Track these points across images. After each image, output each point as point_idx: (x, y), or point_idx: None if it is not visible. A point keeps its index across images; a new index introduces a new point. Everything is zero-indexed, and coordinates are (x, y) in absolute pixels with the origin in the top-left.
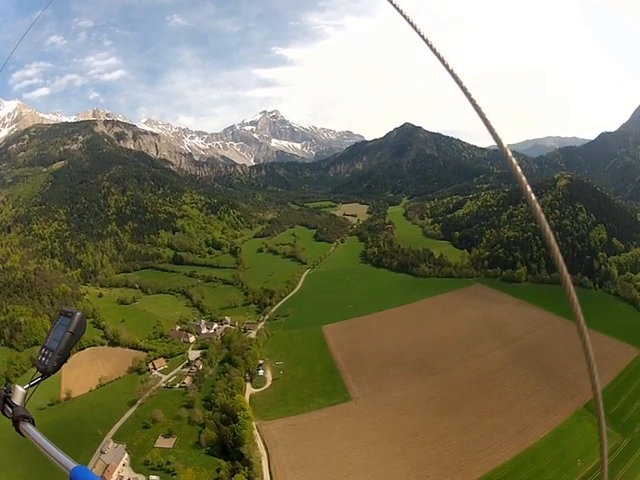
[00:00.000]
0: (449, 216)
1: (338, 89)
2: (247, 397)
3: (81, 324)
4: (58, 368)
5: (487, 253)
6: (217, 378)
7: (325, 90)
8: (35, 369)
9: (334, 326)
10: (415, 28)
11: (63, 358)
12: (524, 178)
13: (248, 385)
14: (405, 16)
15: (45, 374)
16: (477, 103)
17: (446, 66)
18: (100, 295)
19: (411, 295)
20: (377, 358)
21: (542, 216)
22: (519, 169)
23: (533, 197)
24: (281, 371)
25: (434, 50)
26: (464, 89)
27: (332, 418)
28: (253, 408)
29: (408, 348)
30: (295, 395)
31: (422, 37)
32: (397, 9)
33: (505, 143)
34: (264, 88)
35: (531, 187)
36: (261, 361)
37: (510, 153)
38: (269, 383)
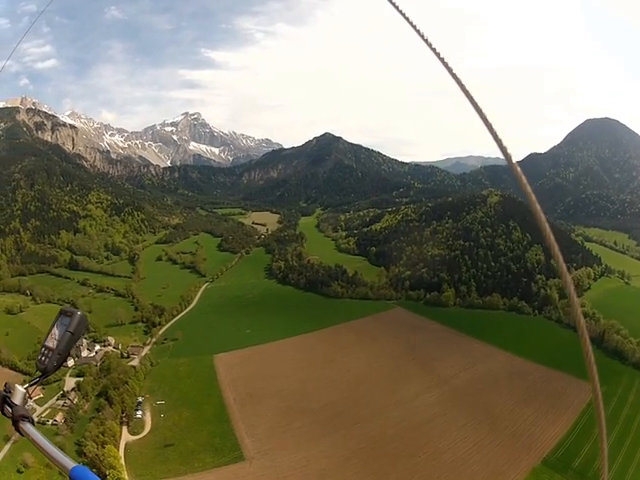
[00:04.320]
0: (365, 230)
1: (262, 96)
2: (122, 445)
3: (81, 324)
4: (58, 367)
5: (408, 272)
6: (92, 416)
7: (249, 96)
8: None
9: (228, 356)
10: (416, 29)
11: (63, 358)
12: (529, 188)
13: (125, 429)
14: (406, 16)
15: (45, 373)
16: (477, 104)
17: (446, 65)
18: None
19: (320, 320)
20: (278, 402)
21: (546, 222)
22: (524, 179)
23: (538, 207)
24: (162, 414)
25: (435, 51)
26: (464, 89)
27: None
28: (128, 462)
29: (316, 389)
30: (177, 448)
31: (423, 38)
32: (396, 8)
33: (510, 149)
34: (188, 90)
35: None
36: (141, 399)
37: (515, 160)
38: (148, 429)
